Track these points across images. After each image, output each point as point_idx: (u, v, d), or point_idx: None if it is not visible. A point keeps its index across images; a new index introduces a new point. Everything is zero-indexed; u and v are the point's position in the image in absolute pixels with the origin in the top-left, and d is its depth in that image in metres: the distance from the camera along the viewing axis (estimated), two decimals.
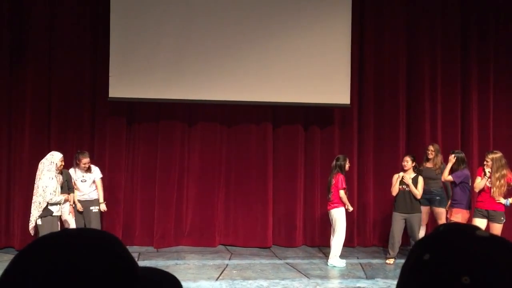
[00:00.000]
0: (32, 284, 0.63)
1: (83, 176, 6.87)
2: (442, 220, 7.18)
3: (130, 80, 7.49)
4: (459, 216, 6.68)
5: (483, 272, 0.67)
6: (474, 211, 6.56)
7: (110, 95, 7.49)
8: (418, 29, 8.28)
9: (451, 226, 0.76)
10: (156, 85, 7.55)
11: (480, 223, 6.29)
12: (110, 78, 7.44)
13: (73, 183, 6.77)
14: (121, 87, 7.47)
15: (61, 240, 0.68)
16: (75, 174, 6.85)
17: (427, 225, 7.52)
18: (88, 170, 6.90)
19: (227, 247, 8.00)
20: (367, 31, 8.22)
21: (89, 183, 6.91)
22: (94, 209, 6.90)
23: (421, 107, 8.26)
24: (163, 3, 7.58)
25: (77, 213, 6.86)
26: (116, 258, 0.67)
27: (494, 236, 0.73)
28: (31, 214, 6.29)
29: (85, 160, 6.83)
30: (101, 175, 7.05)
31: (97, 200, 6.98)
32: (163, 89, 7.57)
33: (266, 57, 7.70)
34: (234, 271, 6.56)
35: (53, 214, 6.27)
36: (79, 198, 6.86)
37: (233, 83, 7.67)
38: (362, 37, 8.22)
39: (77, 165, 6.85)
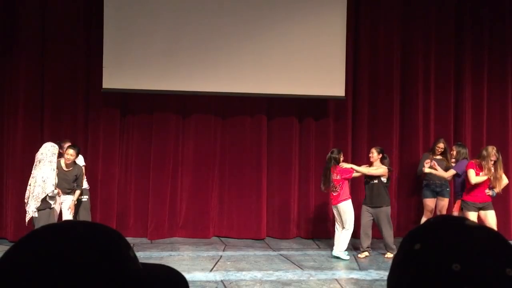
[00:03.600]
0: (20, 276, 0.63)
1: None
2: (443, 212, 7.29)
3: (123, 71, 7.46)
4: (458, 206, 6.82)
5: (472, 259, 0.69)
6: (467, 205, 6.55)
7: (103, 86, 7.46)
8: (412, 21, 8.28)
9: (441, 217, 0.79)
10: (150, 76, 7.52)
11: (474, 216, 6.36)
12: (103, 69, 7.41)
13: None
14: (114, 78, 7.44)
15: (52, 233, 0.68)
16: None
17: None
18: None
19: (221, 238, 8.03)
20: (362, 23, 8.22)
21: None
22: (83, 198, 6.92)
23: (415, 99, 8.28)
24: None
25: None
26: (105, 254, 0.66)
27: (482, 226, 0.76)
28: (28, 206, 6.15)
29: (67, 144, 6.78)
30: (84, 163, 6.99)
31: (87, 189, 7.00)
32: (157, 80, 7.54)
33: (261, 48, 7.68)
34: (228, 263, 6.59)
35: (51, 207, 6.23)
36: None
37: (227, 75, 7.65)
38: (357, 30, 8.22)
39: (61, 155, 6.70)
